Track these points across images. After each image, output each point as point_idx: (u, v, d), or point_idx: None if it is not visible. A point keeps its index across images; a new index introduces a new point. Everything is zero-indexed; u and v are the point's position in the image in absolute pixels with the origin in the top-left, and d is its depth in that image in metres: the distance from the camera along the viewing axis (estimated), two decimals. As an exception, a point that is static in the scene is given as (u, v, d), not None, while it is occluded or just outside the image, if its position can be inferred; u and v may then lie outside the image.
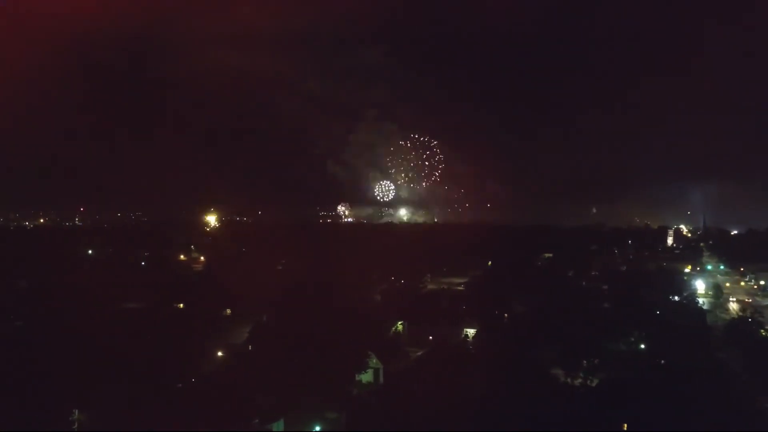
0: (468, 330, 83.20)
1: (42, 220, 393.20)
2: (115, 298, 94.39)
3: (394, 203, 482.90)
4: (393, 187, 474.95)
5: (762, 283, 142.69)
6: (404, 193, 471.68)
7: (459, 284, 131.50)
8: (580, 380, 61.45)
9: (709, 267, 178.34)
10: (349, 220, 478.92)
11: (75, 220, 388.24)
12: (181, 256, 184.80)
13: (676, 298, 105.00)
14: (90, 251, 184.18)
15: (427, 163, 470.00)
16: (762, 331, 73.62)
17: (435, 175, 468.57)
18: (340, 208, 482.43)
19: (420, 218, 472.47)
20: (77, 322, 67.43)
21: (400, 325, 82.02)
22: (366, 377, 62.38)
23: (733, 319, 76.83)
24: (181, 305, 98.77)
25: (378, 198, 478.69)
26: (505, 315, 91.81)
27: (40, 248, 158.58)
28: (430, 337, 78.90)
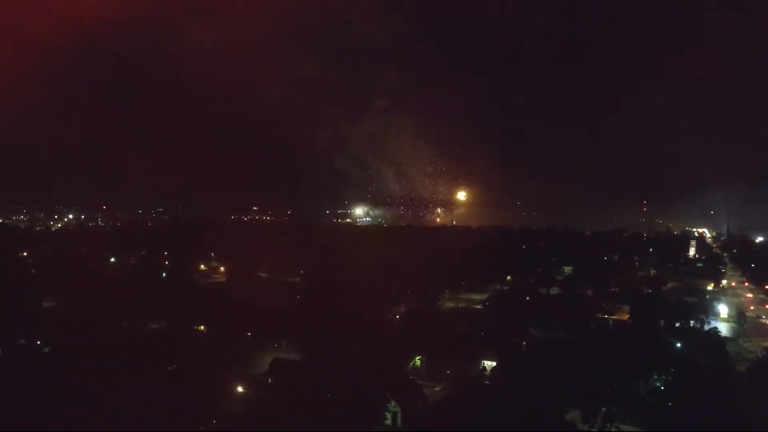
0: (486, 362, 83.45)
1: (66, 219, 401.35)
2: (133, 319, 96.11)
3: (412, 204, 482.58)
4: (410, 187, 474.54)
5: None
6: (424, 194, 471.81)
7: (477, 302, 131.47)
8: (597, 426, 61.26)
9: (733, 284, 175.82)
10: (367, 219, 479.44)
11: (98, 221, 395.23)
12: (201, 266, 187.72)
13: (698, 324, 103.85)
14: (112, 259, 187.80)
15: (447, 162, 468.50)
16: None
17: (455, 174, 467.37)
18: (359, 210, 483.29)
19: (439, 219, 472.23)
20: (94, 352, 67.68)
21: (418, 360, 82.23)
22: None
23: (758, 359, 75.54)
24: (202, 327, 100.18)
25: (394, 198, 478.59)
26: (524, 343, 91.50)
27: (62, 260, 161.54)
28: (448, 372, 79.11)
